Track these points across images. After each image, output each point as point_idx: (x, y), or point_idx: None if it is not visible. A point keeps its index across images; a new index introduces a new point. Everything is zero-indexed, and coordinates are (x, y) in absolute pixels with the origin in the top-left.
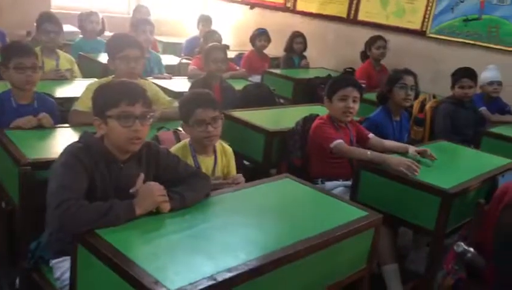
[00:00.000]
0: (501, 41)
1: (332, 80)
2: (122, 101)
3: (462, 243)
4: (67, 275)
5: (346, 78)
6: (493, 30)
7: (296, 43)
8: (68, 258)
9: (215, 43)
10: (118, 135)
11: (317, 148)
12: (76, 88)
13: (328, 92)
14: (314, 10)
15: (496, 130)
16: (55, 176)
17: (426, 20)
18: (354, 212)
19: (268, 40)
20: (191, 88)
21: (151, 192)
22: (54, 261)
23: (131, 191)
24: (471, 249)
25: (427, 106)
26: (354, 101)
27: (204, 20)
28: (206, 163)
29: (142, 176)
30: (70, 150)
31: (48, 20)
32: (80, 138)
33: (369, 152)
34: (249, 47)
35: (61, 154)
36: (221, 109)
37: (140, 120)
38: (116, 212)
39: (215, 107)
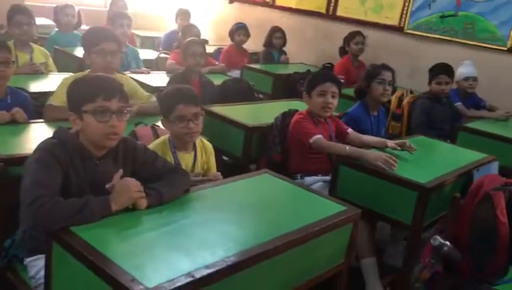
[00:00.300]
0: (476, 38)
1: (311, 76)
2: (98, 96)
3: (439, 237)
4: (42, 273)
5: (325, 73)
6: (469, 26)
7: (276, 38)
8: (43, 256)
9: (193, 38)
10: (93, 131)
11: (296, 144)
12: (51, 82)
13: (307, 87)
14: (293, 5)
15: (471, 125)
16: (29, 172)
17: (404, 16)
18: (333, 207)
19: (248, 35)
20: (169, 83)
21: (128, 188)
22: (28, 259)
23: (107, 186)
24: (448, 243)
25: (405, 101)
26: (332, 97)
27: (183, 14)
28: (185, 159)
29: (120, 171)
30: (44, 146)
31: (19, 12)
32: (55, 133)
33: (347, 147)
34: (228, 42)
35: (35, 150)
36: (201, 104)
37: (117, 115)
38: (91, 209)
39: (196, 103)
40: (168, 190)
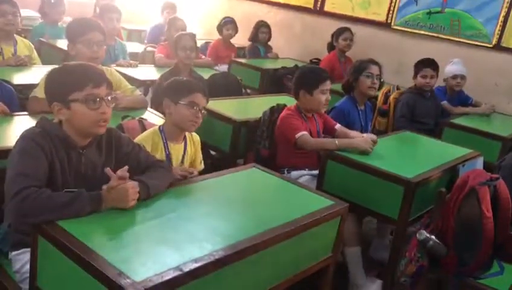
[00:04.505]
0: (462, 35)
1: (310, 73)
2: (87, 84)
3: (424, 231)
4: (27, 267)
5: (323, 71)
6: (455, 23)
7: (261, 33)
8: (28, 250)
9: (183, 32)
10: (84, 119)
11: (283, 139)
12: (35, 75)
13: (307, 84)
14: (281, 0)
15: (456, 121)
16: (13, 163)
17: (391, 12)
18: (321, 202)
19: (235, 29)
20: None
21: (127, 196)
22: (13, 253)
23: (104, 187)
24: (433, 237)
25: (391, 97)
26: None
27: (169, 7)
28: (176, 150)
29: (125, 170)
30: (27, 135)
31: (4, 2)
32: (37, 123)
33: (336, 141)
34: (215, 36)
35: (18, 140)
36: None
37: (106, 102)
38: (81, 203)
39: (208, 100)
40: (155, 182)
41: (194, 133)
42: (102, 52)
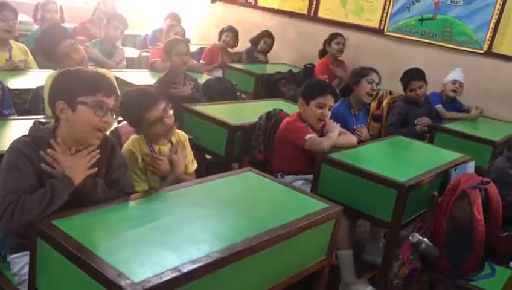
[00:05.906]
0: (454, 41)
1: (312, 84)
2: (99, 91)
3: (417, 234)
4: (25, 270)
5: (326, 85)
6: (447, 30)
7: (264, 41)
8: (26, 253)
9: (176, 37)
10: (86, 123)
11: (284, 144)
12: (31, 79)
13: (306, 94)
14: (275, 6)
15: (448, 126)
16: (1, 174)
17: (384, 18)
18: (315, 205)
19: (234, 40)
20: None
21: (82, 162)
22: (11, 256)
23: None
24: (425, 240)
25: (384, 103)
26: (329, 109)
27: (173, 17)
28: (162, 152)
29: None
30: (15, 146)
31: (6, 8)
32: (29, 130)
33: (332, 134)
34: (210, 42)
35: (7, 150)
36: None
37: (111, 113)
38: (57, 191)
39: (161, 98)
40: (104, 191)
41: (180, 132)
42: (82, 53)
